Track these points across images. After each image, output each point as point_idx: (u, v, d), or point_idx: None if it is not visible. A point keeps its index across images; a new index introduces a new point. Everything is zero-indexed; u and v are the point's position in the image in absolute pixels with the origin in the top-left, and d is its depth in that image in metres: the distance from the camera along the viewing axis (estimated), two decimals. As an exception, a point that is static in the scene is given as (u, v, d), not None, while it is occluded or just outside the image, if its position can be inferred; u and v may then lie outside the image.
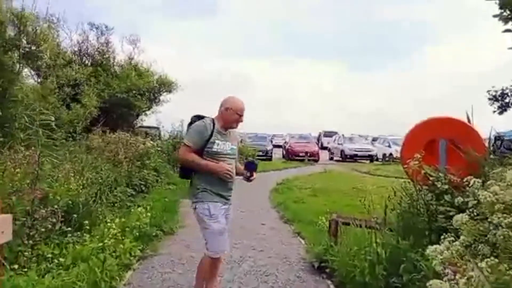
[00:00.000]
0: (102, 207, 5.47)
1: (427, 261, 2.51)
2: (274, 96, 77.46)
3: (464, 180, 3.24)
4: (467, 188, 3.37)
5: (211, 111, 3.32)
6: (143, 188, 8.58)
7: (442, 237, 2.76)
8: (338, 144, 25.10)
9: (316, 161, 22.15)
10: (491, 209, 2.56)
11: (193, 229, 6.27)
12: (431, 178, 3.52)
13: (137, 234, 4.94)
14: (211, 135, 3.06)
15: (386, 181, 13.75)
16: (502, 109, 6.29)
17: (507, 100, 6.24)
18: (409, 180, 4.28)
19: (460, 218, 2.69)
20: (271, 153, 22.73)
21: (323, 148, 28.53)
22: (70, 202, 4.63)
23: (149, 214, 5.28)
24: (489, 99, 6.44)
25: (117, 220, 5.02)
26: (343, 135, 26.10)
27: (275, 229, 6.45)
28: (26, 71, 8.69)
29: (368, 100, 74.08)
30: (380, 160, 23.55)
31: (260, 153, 21.10)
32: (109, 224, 4.69)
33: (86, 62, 13.48)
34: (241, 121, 3.24)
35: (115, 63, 13.94)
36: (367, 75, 75.27)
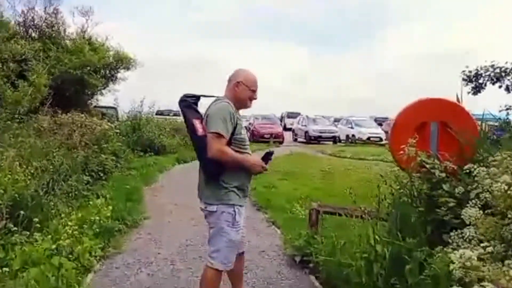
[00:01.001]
0: (55, 199, 4.82)
1: (439, 262, 2.24)
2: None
3: (465, 168, 3.03)
4: (463, 175, 3.18)
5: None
6: (101, 175, 7.87)
7: (452, 234, 2.52)
8: (302, 125, 25.07)
9: (281, 142, 22.01)
10: (506, 203, 2.34)
11: (159, 220, 5.80)
12: (427, 165, 3.26)
13: (97, 230, 4.37)
14: (236, 119, 2.51)
15: (352, 163, 13.85)
16: (476, 90, 6.23)
17: (481, 81, 6.16)
18: (394, 166, 4.05)
19: (473, 213, 2.45)
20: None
21: (286, 129, 28.47)
22: (16, 195, 3.97)
23: (110, 207, 4.69)
24: (463, 79, 6.34)
25: (73, 214, 4.43)
26: (307, 116, 26.05)
27: (247, 218, 6.05)
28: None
29: (331, 82, 75.07)
30: (343, 141, 23.85)
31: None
32: (64, 219, 4.09)
33: (33, 35, 12.14)
34: (255, 98, 2.67)
35: (65, 36, 12.67)
36: (332, 57, 76.17)
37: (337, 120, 30.38)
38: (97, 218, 4.49)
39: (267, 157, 2.71)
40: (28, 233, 3.81)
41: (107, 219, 4.68)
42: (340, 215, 4.39)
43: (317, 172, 11.11)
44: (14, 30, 9.87)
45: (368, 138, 22.88)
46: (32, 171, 4.49)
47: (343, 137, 24.18)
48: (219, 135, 2.39)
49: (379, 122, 28.67)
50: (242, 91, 2.58)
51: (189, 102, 2.55)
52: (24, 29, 11.94)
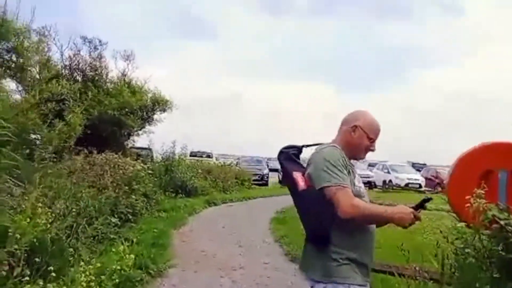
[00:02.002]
0: (78, 244, 4.55)
1: None
2: (269, 117, 77.16)
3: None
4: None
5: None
6: (130, 217, 7.64)
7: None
8: (337, 169, 24.33)
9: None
10: None
11: (185, 269, 5.36)
12: (500, 221, 2.72)
13: (117, 280, 4.02)
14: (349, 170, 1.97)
15: (391, 211, 12.94)
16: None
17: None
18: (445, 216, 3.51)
19: None
20: (267, 177, 21.86)
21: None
22: (34, 240, 3.73)
23: (132, 255, 4.34)
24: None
25: (93, 261, 4.12)
26: (341, 160, 25.36)
27: (281, 270, 5.55)
28: (11, 85, 7.93)
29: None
30: (379, 187, 22.77)
31: (256, 178, 20.23)
32: (82, 268, 3.78)
33: (77, 77, 12.71)
34: (372, 149, 2.08)
35: (107, 79, 13.16)
36: (359, 97, 75.59)
37: (371, 165, 29.35)
38: (118, 266, 4.14)
39: (422, 205, 2.00)
40: (42, 282, 3.51)
41: (128, 267, 4.33)
42: (390, 274, 3.81)
43: (355, 220, 10.41)
44: (57, 71, 10.29)
45: (407, 185, 21.73)
46: (55, 214, 4.28)
47: (379, 182, 23.14)
48: (341, 187, 1.79)
49: (417, 168, 27.41)
50: (358, 138, 2.02)
51: (288, 154, 2.05)
52: (69, 72, 12.53)
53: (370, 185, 22.56)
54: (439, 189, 21.57)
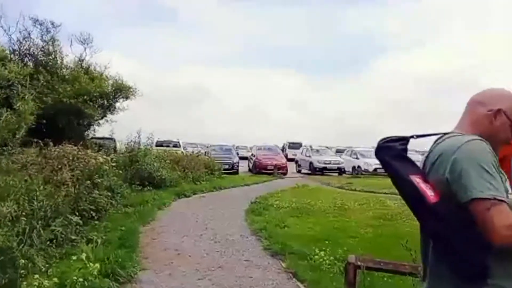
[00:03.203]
0: (32, 251, 3.93)
1: None
2: (235, 107, 76.29)
3: None
4: None
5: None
6: (94, 214, 6.98)
7: None
8: (306, 156, 24.30)
9: (285, 174, 21.16)
10: None
11: (157, 272, 4.81)
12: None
13: (80, 293, 3.47)
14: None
15: (364, 197, 12.96)
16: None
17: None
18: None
19: None
20: (237, 166, 21.45)
21: (288, 159, 27.65)
22: (-25, 252, 3.11)
23: (96, 264, 3.78)
24: None
25: (51, 271, 3.54)
26: (310, 146, 25.32)
27: (262, 268, 5.17)
28: None
29: (329, 110, 74.96)
30: (348, 172, 23.00)
31: (226, 167, 19.75)
32: (36, 281, 3.20)
33: (28, 63, 11.59)
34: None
35: (63, 65, 12.11)
36: (328, 85, 76.26)
37: (339, 151, 29.65)
38: (81, 276, 3.58)
39: None
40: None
41: (93, 276, 3.77)
42: (387, 271, 3.52)
43: (329, 207, 10.23)
44: (3, 54, 9.26)
45: (375, 170, 21.99)
46: (2, 217, 3.64)
47: (348, 168, 23.34)
48: (499, 200, 1.26)
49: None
50: (502, 126, 1.48)
51: (397, 150, 1.44)
52: (19, 57, 11.40)
53: (340, 171, 22.75)
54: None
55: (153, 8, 58.56)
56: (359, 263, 3.58)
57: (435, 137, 1.50)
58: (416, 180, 1.32)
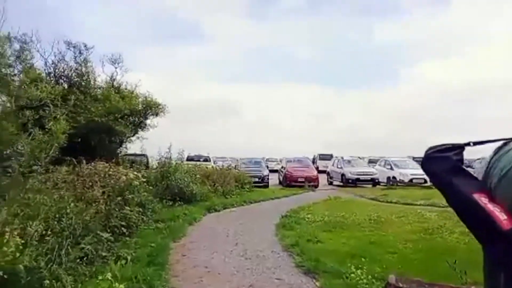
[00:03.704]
0: (60, 270, 3.89)
1: None
2: (263, 121, 76.40)
3: None
4: None
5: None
6: (124, 231, 6.99)
7: None
8: (338, 167, 23.71)
9: (316, 186, 20.69)
10: None
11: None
12: None
13: (106, 315, 3.36)
14: None
15: (401, 209, 12.35)
16: None
17: None
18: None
19: None
20: (268, 179, 21.21)
21: (319, 171, 27.12)
22: (1, 272, 3.07)
23: (121, 286, 3.67)
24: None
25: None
26: (342, 157, 24.71)
27: (295, 287, 4.90)
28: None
29: (356, 121, 73.53)
30: (382, 184, 22.17)
31: (257, 180, 19.57)
32: (62, 303, 3.12)
33: (63, 84, 12.04)
34: None
35: (95, 85, 12.50)
36: (354, 96, 75.00)
37: (372, 161, 28.80)
38: (107, 297, 3.49)
39: None
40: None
41: (120, 297, 3.67)
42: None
43: (364, 221, 9.77)
44: (37, 75, 9.65)
45: (411, 180, 21.13)
46: (30, 236, 3.63)
47: (382, 179, 22.52)
48: None
49: (418, 162, 26.83)
50: None
51: (453, 161, 1.17)
52: (54, 80, 11.87)
53: (373, 182, 21.99)
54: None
55: (176, 24, 60.30)
56: (400, 284, 3.27)
57: (494, 144, 1.25)
58: (482, 200, 1.06)
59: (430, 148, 1.21)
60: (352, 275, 4.95)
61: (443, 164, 1.17)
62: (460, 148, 1.20)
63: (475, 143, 1.20)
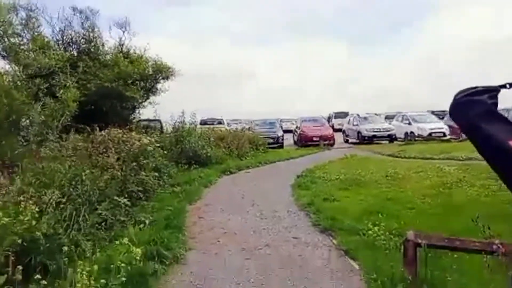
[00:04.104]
0: (79, 236, 3.96)
1: None
2: (280, 82, 75.06)
3: None
4: None
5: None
6: (141, 195, 7.08)
7: None
8: (354, 125, 23.33)
9: (332, 145, 20.50)
10: None
11: (204, 252, 4.73)
12: None
13: (124, 278, 3.40)
14: None
15: (419, 164, 12.14)
16: None
17: None
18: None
19: None
20: (282, 139, 21.11)
21: (335, 130, 26.81)
22: (20, 240, 3.12)
23: (138, 249, 3.69)
24: None
25: (94, 257, 3.53)
26: (358, 115, 24.25)
27: (311, 245, 4.90)
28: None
29: (376, 79, 71.55)
30: (400, 139, 21.78)
31: (271, 141, 19.49)
32: (81, 267, 3.16)
33: (73, 52, 11.89)
34: None
35: (104, 51, 12.30)
36: (372, 51, 72.41)
37: (389, 117, 28.21)
38: (125, 261, 3.52)
39: None
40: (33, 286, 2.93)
41: (138, 260, 3.71)
42: (453, 249, 3.09)
43: (381, 178, 9.66)
44: (44, 42, 9.48)
45: (430, 134, 20.68)
46: (46, 204, 3.66)
47: (400, 135, 22.10)
48: None
49: (438, 116, 26.15)
50: None
51: (487, 105, 1.02)
52: (63, 47, 11.71)
53: (391, 138, 21.64)
54: (464, 136, 20.57)
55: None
56: (419, 240, 3.19)
57: None
58: None
59: (460, 92, 1.04)
60: (370, 232, 4.90)
61: (475, 108, 1.00)
62: (494, 90, 1.03)
63: None
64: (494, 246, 2.44)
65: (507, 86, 1.04)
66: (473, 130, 0.99)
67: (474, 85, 1.03)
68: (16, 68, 6.40)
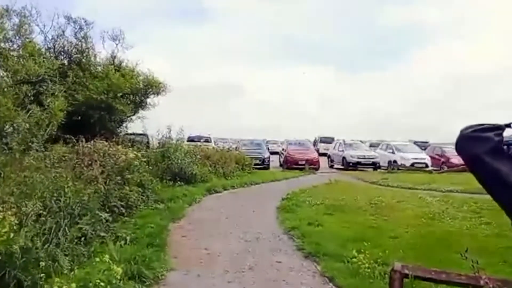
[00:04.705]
0: (57, 251, 3.81)
1: None
2: (266, 102, 75.79)
3: None
4: None
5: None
6: (123, 211, 6.92)
7: None
8: (339, 151, 23.61)
9: (317, 169, 20.62)
10: None
11: (186, 273, 4.61)
12: None
13: (103, 297, 3.28)
14: None
15: (402, 194, 12.29)
16: None
17: None
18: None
19: None
20: (268, 161, 21.14)
21: (320, 154, 27.04)
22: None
23: (119, 268, 3.58)
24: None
25: (72, 274, 3.39)
26: (343, 141, 24.58)
27: (295, 271, 4.84)
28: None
29: (362, 104, 72.99)
30: (383, 168, 22.10)
31: (257, 162, 19.48)
32: (57, 284, 3.04)
33: (63, 60, 11.80)
34: None
35: (96, 62, 12.24)
36: (360, 78, 74.14)
37: (373, 145, 28.66)
38: (104, 279, 3.40)
39: None
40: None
41: (117, 278, 3.59)
42: (439, 282, 3.08)
43: (365, 205, 9.70)
44: (33, 48, 9.40)
45: (412, 165, 21.06)
46: (25, 216, 3.53)
47: (383, 163, 22.44)
48: None
49: (420, 147, 26.75)
50: None
51: (494, 142, 1.03)
52: (54, 55, 11.62)
53: (375, 166, 21.91)
54: (445, 168, 20.98)
55: (183, 3, 59.11)
56: (406, 271, 3.17)
57: None
58: None
59: (468, 128, 1.07)
60: (354, 259, 4.88)
61: (482, 144, 1.02)
62: (500, 128, 1.06)
63: None
64: (482, 281, 2.45)
65: (504, 127, 1.08)
66: (479, 165, 1.01)
67: (480, 122, 1.06)
68: (4, 73, 6.28)
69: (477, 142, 1.02)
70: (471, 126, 1.06)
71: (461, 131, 1.07)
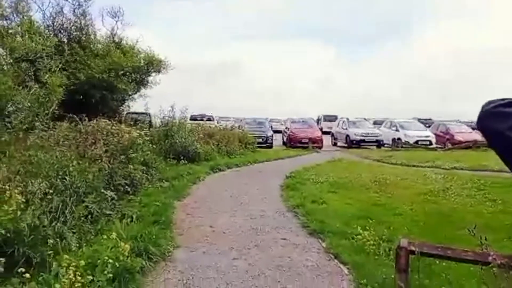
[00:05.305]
0: (64, 229, 3.84)
1: None
2: (267, 81, 75.13)
3: None
4: None
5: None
6: (128, 189, 6.95)
7: None
8: (343, 129, 23.48)
9: (320, 147, 20.58)
10: None
11: (192, 250, 4.66)
12: None
13: (110, 273, 3.30)
14: None
15: (406, 171, 12.28)
16: None
17: None
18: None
19: None
20: (272, 140, 21.09)
21: (323, 132, 26.94)
22: (3, 230, 3.00)
23: (126, 245, 3.60)
24: None
25: (81, 251, 3.42)
26: (347, 119, 24.40)
27: (300, 248, 4.87)
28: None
29: (363, 82, 72.30)
30: (387, 145, 22.01)
31: (260, 141, 19.45)
32: (66, 261, 3.06)
33: (63, 38, 11.62)
34: None
35: (95, 40, 12.05)
36: (362, 55, 73.07)
37: (377, 123, 28.50)
38: (112, 256, 3.43)
39: None
40: (14, 280, 2.82)
41: (124, 256, 3.62)
42: (446, 258, 3.09)
43: (369, 182, 9.71)
44: (29, 25, 9.21)
45: (416, 142, 20.97)
46: (32, 195, 3.53)
47: (387, 141, 22.35)
48: None
49: (424, 124, 26.57)
50: None
51: None
52: (53, 33, 11.43)
53: (378, 143, 21.84)
54: (449, 145, 20.90)
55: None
56: (412, 248, 3.18)
57: None
58: None
59: (490, 103, 1.01)
60: (359, 236, 4.90)
61: (506, 120, 0.98)
62: None
63: None
64: (490, 258, 2.44)
65: None
66: (503, 141, 0.96)
67: (504, 97, 1.00)
68: (3, 51, 6.17)
69: (501, 118, 0.97)
70: (493, 101, 1.00)
71: (483, 107, 1.01)
